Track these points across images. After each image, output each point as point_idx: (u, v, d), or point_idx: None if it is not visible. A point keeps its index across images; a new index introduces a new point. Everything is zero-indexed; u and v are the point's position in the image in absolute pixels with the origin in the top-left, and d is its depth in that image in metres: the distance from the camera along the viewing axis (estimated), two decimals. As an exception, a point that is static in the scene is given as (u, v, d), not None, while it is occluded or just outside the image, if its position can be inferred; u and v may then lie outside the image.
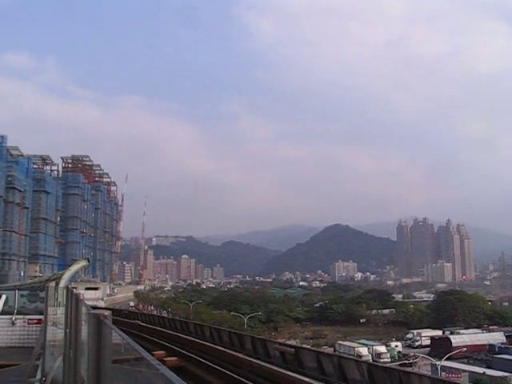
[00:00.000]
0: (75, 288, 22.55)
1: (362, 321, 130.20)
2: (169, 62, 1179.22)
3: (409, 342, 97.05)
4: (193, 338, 24.16)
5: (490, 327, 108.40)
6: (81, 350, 6.30)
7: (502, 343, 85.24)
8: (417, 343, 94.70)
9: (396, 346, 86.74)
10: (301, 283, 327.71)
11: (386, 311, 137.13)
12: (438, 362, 61.01)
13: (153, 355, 3.67)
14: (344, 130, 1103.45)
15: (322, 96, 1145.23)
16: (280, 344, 19.96)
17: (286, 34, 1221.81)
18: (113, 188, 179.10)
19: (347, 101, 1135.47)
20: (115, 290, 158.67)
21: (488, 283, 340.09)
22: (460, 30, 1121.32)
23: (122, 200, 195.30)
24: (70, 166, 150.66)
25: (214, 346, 20.97)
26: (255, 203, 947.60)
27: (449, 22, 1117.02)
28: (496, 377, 57.74)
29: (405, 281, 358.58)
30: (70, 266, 26.57)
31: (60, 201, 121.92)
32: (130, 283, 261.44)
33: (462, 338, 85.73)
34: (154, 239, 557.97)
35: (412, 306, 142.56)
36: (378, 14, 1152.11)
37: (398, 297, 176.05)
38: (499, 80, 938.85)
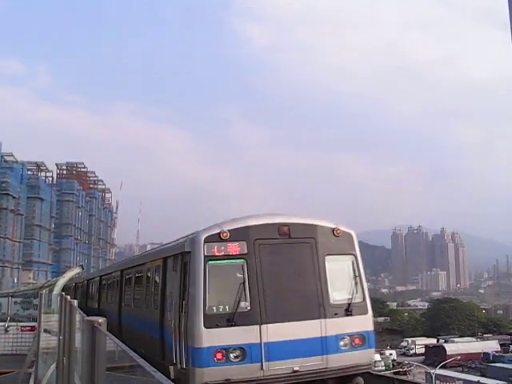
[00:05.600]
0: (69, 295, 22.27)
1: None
2: (161, 68, 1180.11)
3: (403, 350, 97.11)
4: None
5: (485, 335, 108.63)
6: (74, 357, 6.26)
7: (497, 351, 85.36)
8: (411, 351, 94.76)
9: (390, 355, 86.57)
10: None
11: (380, 319, 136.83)
12: (432, 371, 60.94)
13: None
14: (338, 137, 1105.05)
15: (316, 103, 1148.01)
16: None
17: (279, 40, 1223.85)
18: (107, 195, 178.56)
19: (342, 108, 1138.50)
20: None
21: (482, 291, 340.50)
22: (455, 36, 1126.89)
23: (117, 207, 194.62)
24: (64, 172, 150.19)
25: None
26: (250, 210, 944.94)
27: (443, 28, 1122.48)
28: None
29: (399, 289, 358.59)
30: (64, 273, 26.49)
31: (54, 207, 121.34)
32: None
33: (457, 346, 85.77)
34: (149, 246, 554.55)
35: (406, 314, 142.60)
36: (371, 19, 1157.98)
37: (393, 305, 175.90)
38: (495, 86, 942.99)
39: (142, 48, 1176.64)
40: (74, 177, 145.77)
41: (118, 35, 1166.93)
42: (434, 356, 79.75)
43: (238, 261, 9.46)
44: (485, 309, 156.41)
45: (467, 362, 79.57)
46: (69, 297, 9.40)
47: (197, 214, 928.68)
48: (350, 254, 10.40)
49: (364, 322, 10.10)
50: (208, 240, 9.41)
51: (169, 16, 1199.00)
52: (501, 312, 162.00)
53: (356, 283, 10.15)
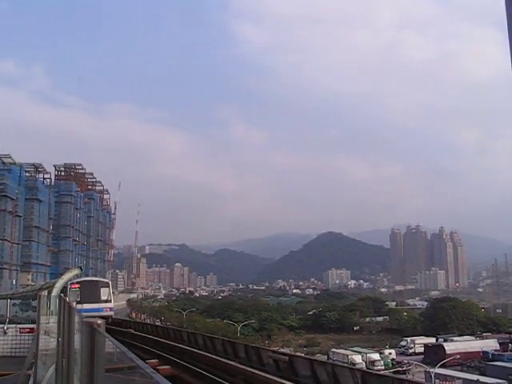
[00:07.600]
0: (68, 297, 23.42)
1: (355, 328, 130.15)
2: (159, 70, 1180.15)
3: (402, 349, 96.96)
4: (186, 347, 24.03)
5: (484, 334, 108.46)
6: (73, 358, 6.25)
7: (496, 350, 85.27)
8: (410, 351, 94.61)
9: (390, 354, 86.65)
10: (294, 291, 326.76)
11: (379, 319, 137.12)
12: (431, 370, 60.98)
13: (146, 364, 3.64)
14: (336, 138, 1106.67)
15: (314, 103, 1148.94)
16: (274, 352, 19.86)
17: (276, 40, 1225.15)
18: (106, 196, 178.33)
19: (340, 108, 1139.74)
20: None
21: (481, 290, 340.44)
22: (450, 36, 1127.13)
23: (115, 208, 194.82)
24: (62, 174, 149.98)
25: (207, 354, 20.86)
26: (248, 211, 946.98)
27: (439, 29, 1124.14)
28: (490, 384, 57.61)
29: (398, 288, 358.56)
30: (62, 274, 26.52)
31: (52, 209, 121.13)
32: (122, 292, 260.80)
33: (456, 345, 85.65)
34: (147, 247, 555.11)
35: (405, 313, 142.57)
36: (367, 20, 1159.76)
37: (392, 304, 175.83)
38: (490, 87, 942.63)
39: (140, 49, 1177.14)
40: (72, 178, 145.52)
41: (116, 36, 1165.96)
42: (434, 355, 79.64)
43: (77, 289, 32.92)
44: (484, 308, 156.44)
45: (466, 361, 79.50)
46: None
47: (195, 215, 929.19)
48: (107, 287, 39.29)
49: (110, 305, 38.48)
50: (70, 284, 31.31)
51: (168, 17, 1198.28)
52: (500, 311, 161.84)
53: (109, 295, 38.38)
